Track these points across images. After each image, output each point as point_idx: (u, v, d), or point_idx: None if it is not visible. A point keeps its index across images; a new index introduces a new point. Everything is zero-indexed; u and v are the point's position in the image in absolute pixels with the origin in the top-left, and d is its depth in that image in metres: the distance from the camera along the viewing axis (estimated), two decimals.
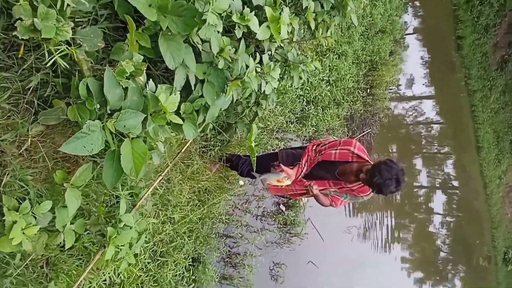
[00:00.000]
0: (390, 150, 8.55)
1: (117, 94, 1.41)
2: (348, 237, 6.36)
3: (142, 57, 1.51)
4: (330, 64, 5.24)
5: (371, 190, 2.68)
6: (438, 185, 10.10)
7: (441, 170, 10.28)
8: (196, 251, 3.32)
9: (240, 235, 4.10)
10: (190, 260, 3.31)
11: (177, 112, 1.93)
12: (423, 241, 9.13)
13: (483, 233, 11.15)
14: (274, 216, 4.70)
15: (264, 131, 4.22)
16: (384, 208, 7.72)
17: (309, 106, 4.96)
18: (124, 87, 1.44)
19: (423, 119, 10.08)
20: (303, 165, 2.86)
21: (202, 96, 1.99)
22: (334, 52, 5.34)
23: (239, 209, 4.13)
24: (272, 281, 4.64)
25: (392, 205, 8.01)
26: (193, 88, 1.89)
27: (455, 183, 10.53)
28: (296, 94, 4.57)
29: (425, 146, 10.21)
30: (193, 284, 3.32)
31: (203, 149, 3.06)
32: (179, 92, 1.64)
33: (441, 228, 9.69)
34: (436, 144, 10.42)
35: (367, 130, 6.72)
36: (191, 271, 3.24)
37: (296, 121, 4.83)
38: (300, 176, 2.87)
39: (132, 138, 1.48)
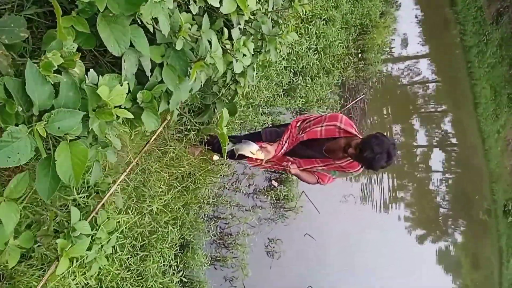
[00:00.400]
0: (386, 112, 8.38)
1: (45, 92, 1.21)
2: (345, 205, 6.28)
3: (75, 46, 1.30)
4: (317, 31, 4.97)
5: (361, 165, 2.57)
6: (436, 144, 10.00)
7: (439, 128, 10.15)
8: (183, 238, 3.20)
9: (231, 216, 3.99)
10: (177, 248, 3.20)
11: (135, 102, 1.74)
12: (423, 199, 9.12)
13: (482, 187, 11.14)
14: (267, 193, 4.58)
15: (250, 107, 4.02)
16: (382, 170, 7.63)
17: (296, 77, 4.74)
18: (54, 82, 1.24)
19: (419, 78, 9.85)
20: (283, 142, 2.70)
21: (162, 81, 1.79)
22: (320, 18, 5.05)
23: (228, 189, 4.00)
24: (269, 257, 4.58)
25: (391, 167, 7.92)
26: (148, 74, 1.68)
27: (453, 140, 10.41)
28: (281, 66, 4.33)
29: (422, 106, 10.02)
30: (183, 270, 3.22)
31: (180, 134, 2.88)
32: (127, 82, 1.44)
33: (440, 186, 9.65)
34: (433, 103, 10.24)
35: (360, 96, 6.49)
36: (179, 258, 3.14)
37: (283, 94, 4.62)
38: (281, 153, 2.72)
39: (71, 141, 1.30)
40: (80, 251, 1.49)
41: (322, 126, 2.63)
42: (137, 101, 1.71)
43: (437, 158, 9.88)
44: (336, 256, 5.69)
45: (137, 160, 2.31)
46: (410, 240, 8.39)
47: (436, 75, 10.11)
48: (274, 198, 4.64)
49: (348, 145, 2.49)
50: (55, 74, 1.23)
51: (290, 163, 2.65)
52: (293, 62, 4.57)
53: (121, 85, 1.42)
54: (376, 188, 7.34)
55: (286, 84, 4.58)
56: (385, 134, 2.47)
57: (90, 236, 1.85)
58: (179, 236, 3.20)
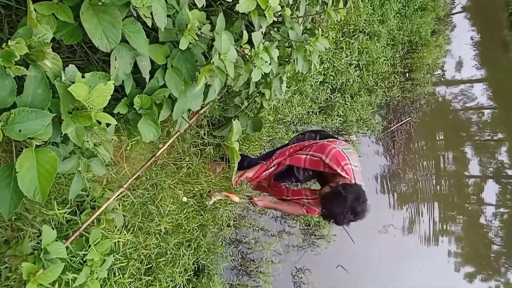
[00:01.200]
0: (438, 138, 7.82)
1: (5, 86, 1.02)
2: (384, 237, 5.77)
3: (49, 35, 1.10)
4: (360, 46, 4.65)
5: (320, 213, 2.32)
6: (490, 174, 9.21)
7: (494, 158, 9.37)
8: (198, 262, 2.94)
9: (254, 240, 3.69)
10: (191, 273, 2.94)
11: (131, 108, 1.53)
12: (474, 233, 8.34)
13: None
14: (296, 218, 4.24)
15: (281, 124, 3.75)
16: (428, 200, 7.05)
17: (335, 94, 4.42)
18: (19, 76, 1.04)
19: (473, 104, 9.19)
20: (271, 164, 2.48)
21: (165, 86, 1.58)
22: (364, 32, 4.73)
23: (253, 212, 3.71)
24: None
25: (438, 197, 7.32)
26: (146, 76, 1.47)
27: (509, 172, 9.55)
28: (317, 81, 4.04)
29: (476, 133, 9.31)
30: None
31: (197, 148, 2.66)
32: (113, 82, 1.22)
33: (493, 220, 8.87)
34: (488, 131, 9.49)
35: (406, 118, 6.04)
36: (192, 284, 2.87)
37: (319, 111, 4.31)
38: (264, 175, 2.53)
39: (38, 147, 1.09)
40: (52, 277, 1.27)
41: (307, 155, 2.35)
42: (134, 106, 1.50)
43: (490, 190, 9.09)
44: None
45: (146, 174, 2.11)
46: (457, 277, 7.66)
47: (492, 101, 9.39)
48: (303, 224, 4.29)
49: (327, 184, 2.25)
50: (18, 67, 1.03)
51: (256, 198, 2.56)
52: (332, 78, 4.27)
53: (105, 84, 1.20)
54: (420, 219, 6.75)
55: (323, 101, 4.28)
56: (360, 185, 2.19)
57: (81, 258, 1.65)
58: (193, 259, 2.94)
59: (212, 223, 3.02)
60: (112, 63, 1.30)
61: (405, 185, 6.20)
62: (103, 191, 1.83)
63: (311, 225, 4.32)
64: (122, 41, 1.31)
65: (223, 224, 3.31)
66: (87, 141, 1.20)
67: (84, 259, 1.67)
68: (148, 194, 2.29)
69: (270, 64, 1.87)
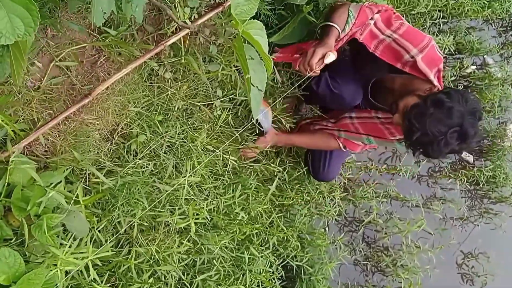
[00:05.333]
0: None
1: None
2: None
3: None
4: None
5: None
6: None
7: None
8: (287, 264, 1.79)
9: (386, 216, 2.32)
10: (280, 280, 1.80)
11: None
12: None
13: None
14: (453, 174, 2.67)
15: None
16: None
17: None
18: None
19: None
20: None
21: None
22: None
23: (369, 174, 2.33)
24: (465, 283, 2.69)
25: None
26: None
27: None
28: None
29: None
30: None
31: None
32: None
33: None
34: None
35: None
36: None
37: None
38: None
39: None
40: None
41: (388, 36, 1.57)
42: None
43: None
44: None
45: None
46: None
47: None
48: (468, 182, 2.70)
49: (409, 93, 1.53)
50: None
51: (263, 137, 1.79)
52: None
53: None
54: None
55: None
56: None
57: None
58: (280, 262, 1.78)
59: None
60: None
61: None
62: None
63: (481, 183, 2.68)
64: None
65: (325, 197, 2.05)
66: None
67: None
68: None
69: None
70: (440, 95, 1.42)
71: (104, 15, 1.03)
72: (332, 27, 1.54)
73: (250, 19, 1.14)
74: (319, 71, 1.44)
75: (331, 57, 1.42)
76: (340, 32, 1.54)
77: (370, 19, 1.56)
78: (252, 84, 1.20)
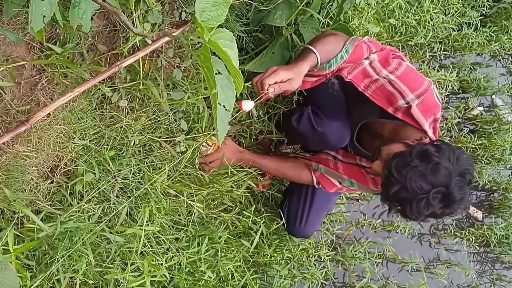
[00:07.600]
0: None
1: None
2: None
3: None
4: None
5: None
6: None
7: None
8: None
9: (378, 282, 1.99)
10: None
11: None
12: None
13: None
14: (459, 233, 2.39)
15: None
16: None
17: None
18: None
19: None
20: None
21: None
22: None
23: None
24: None
25: None
26: None
27: None
28: None
29: None
30: None
31: None
32: None
33: None
34: None
35: None
36: None
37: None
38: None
39: None
40: None
41: (383, 78, 1.41)
42: None
43: None
44: None
45: None
46: None
47: None
48: (477, 243, 2.44)
49: (395, 141, 1.40)
50: None
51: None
52: None
53: None
54: None
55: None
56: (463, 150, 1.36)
57: None
58: None
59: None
60: None
61: None
62: None
63: (492, 243, 2.40)
64: None
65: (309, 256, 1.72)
66: None
67: None
68: None
69: None
70: (429, 147, 1.28)
71: (44, 19, 0.91)
72: (312, 52, 1.35)
73: (218, 27, 0.97)
74: (272, 96, 1.25)
75: (249, 105, 1.27)
76: (319, 62, 1.35)
77: (365, 58, 1.41)
78: (218, 103, 1.03)
